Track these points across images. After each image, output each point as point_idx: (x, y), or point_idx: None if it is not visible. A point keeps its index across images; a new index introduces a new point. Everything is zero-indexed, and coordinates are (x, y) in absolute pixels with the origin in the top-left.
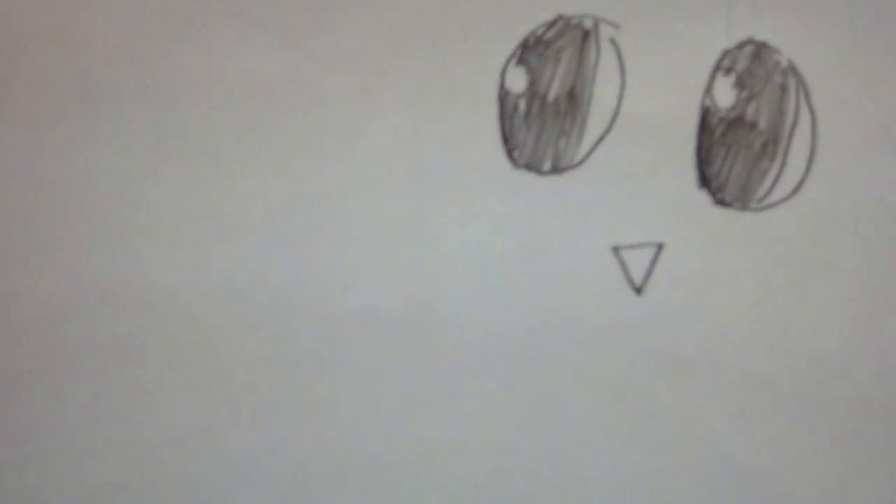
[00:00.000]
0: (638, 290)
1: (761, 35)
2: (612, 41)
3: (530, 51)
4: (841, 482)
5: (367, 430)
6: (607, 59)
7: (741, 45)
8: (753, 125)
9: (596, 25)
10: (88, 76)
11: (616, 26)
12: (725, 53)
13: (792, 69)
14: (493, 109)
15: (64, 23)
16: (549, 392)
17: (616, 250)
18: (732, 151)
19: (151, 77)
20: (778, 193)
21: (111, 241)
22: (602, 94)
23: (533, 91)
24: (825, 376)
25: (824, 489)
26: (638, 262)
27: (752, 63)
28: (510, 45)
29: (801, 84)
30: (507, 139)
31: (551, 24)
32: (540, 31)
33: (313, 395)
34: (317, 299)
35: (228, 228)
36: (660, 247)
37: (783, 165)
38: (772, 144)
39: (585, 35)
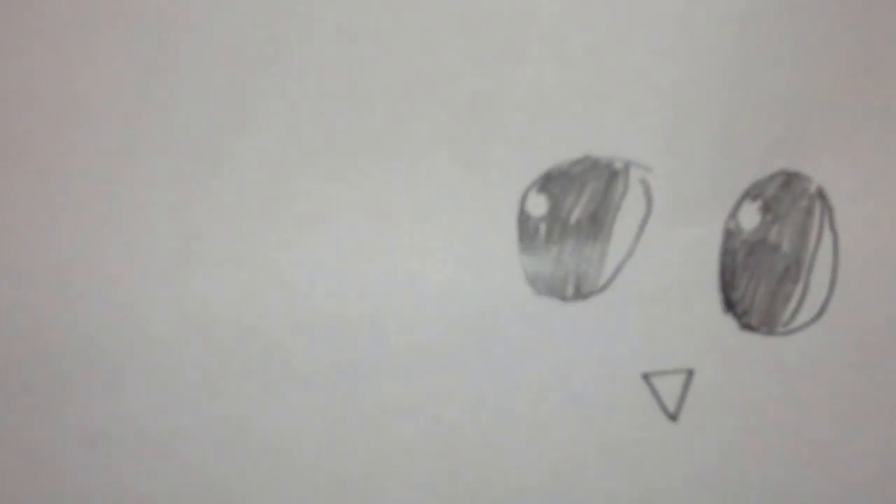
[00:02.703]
0: (672, 417)
1: (794, 166)
2: (642, 181)
3: (553, 181)
4: None
5: None
6: (634, 193)
7: (772, 177)
8: (776, 248)
9: (626, 167)
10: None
11: (648, 169)
12: (756, 183)
13: (820, 194)
14: (512, 232)
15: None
16: None
17: (646, 377)
18: (756, 275)
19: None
20: (803, 316)
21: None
22: (626, 217)
23: (554, 215)
24: (869, 496)
25: None
26: (669, 389)
27: (781, 190)
28: (531, 175)
29: (826, 207)
30: (527, 264)
31: (577, 163)
32: (565, 166)
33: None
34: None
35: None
36: (690, 373)
37: (806, 288)
38: (794, 267)
39: (614, 174)
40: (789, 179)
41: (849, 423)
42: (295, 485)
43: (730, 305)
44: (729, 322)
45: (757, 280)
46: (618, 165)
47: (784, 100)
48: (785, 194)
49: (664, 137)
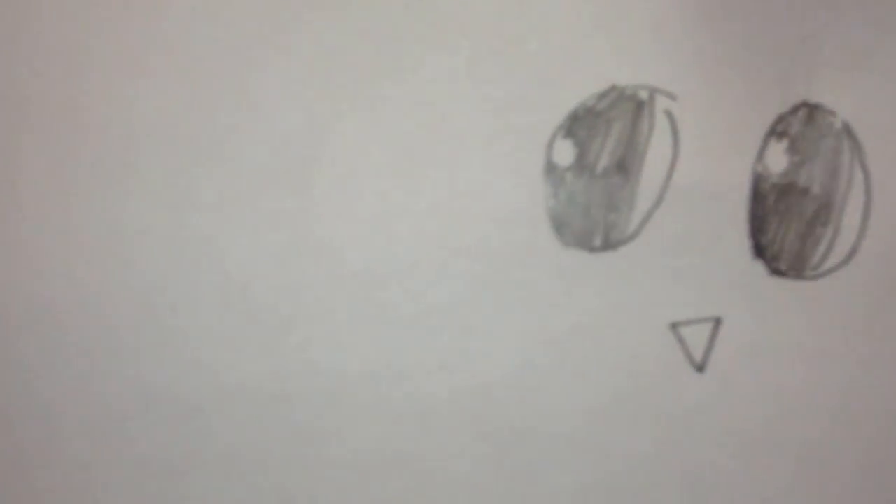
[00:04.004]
0: (699, 368)
1: (815, 97)
2: (667, 112)
3: (579, 123)
4: None
5: None
6: (661, 129)
7: (795, 109)
8: (806, 190)
9: (651, 96)
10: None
11: (672, 97)
12: (779, 118)
13: (846, 131)
14: (539, 184)
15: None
16: (615, 476)
17: (674, 327)
18: (786, 219)
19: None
20: (832, 260)
21: (114, 348)
22: (653, 164)
23: (581, 164)
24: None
25: None
26: (696, 339)
27: (806, 126)
28: (558, 116)
29: (856, 145)
30: (554, 215)
31: (604, 95)
32: (591, 102)
33: (374, 495)
34: (365, 395)
35: (257, 322)
36: (718, 321)
37: (837, 231)
38: (825, 210)
39: (639, 106)
40: (812, 113)
41: (879, 368)
42: (329, 443)
43: (759, 251)
44: (758, 268)
45: (787, 224)
46: (643, 95)
47: (802, 29)
48: (811, 131)
49: (686, 66)
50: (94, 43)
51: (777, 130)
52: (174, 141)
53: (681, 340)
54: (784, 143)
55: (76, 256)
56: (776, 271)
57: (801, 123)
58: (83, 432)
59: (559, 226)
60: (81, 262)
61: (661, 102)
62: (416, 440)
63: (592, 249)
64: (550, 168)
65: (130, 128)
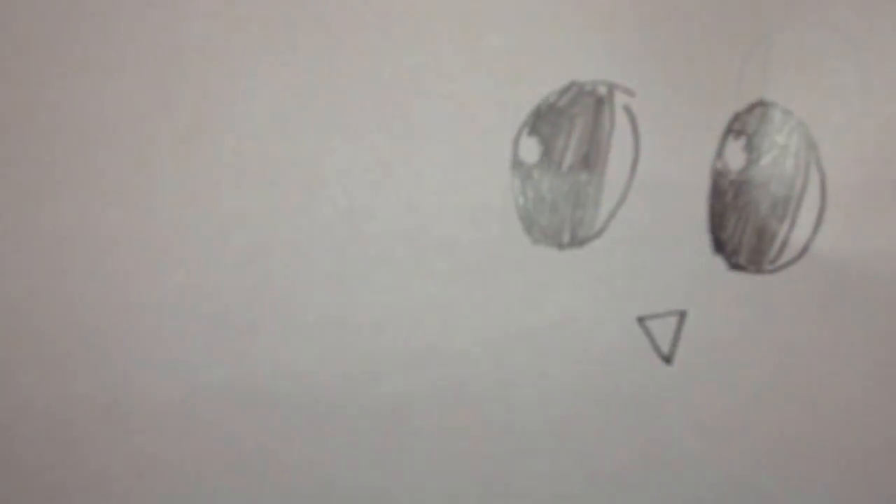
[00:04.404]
0: (667, 360)
1: (771, 96)
2: (627, 108)
3: (543, 119)
4: None
5: None
6: (621, 126)
7: (751, 108)
8: (763, 187)
9: (610, 92)
10: (60, 160)
11: (631, 93)
12: (736, 116)
13: (802, 129)
14: (506, 182)
15: (31, 98)
16: (590, 465)
17: (641, 321)
18: (744, 215)
19: (134, 158)
20: (788, 254)
21: (103, 345)
22: (616, 162)
23: (547, 161)
24: (855, 426)
25: None
26: (663, 331)
27: (762, 125)
28: (522, 113)
29: (811, 144)
30: (522, 213)
31: (564, 91)
32: (553, 99)
33: (352, 492)
34: (340, 392)
35: (234, 321)
36: (682, 314)
37: (792, 226)
38: (782, 206)
39: (599, 102)
40: (768, 112)
41: (834, 355)
42: (311, 434)
43: (719, 246)
44: (718, 263)
45: (745, 220)
46: (602, 91)
47: (758, 28)
48: (767, 129)
49: (644, 63)
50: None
51: (734, 129)
52: (139, 141)
53: (648, 333)
54: (742, 141)
55: (43, 257)
56: (736, 266)
57: (758, 122)
58: (47, 435)
59: (528, 224)
60: (47, 262)
61: (620, 98)
62: (392, 439)
63: (561, 246)
64: (517, 165)
65: (96, 128)
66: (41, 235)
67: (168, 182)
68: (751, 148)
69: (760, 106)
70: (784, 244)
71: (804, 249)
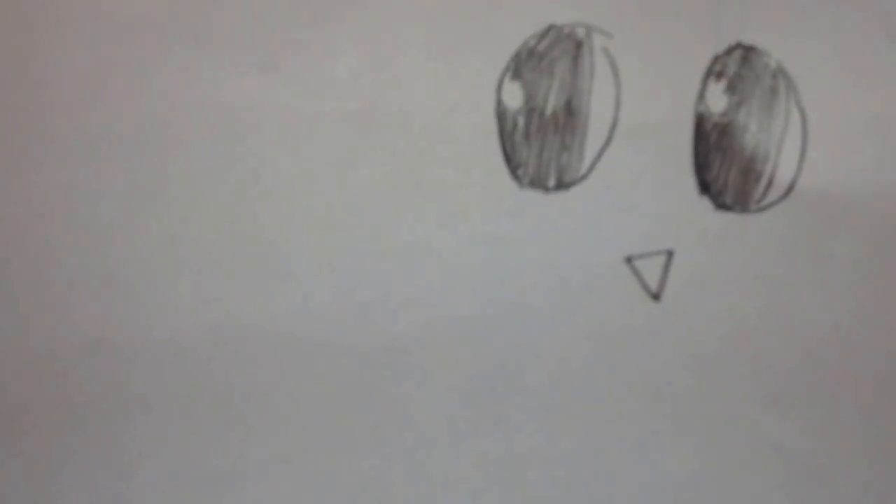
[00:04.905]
0: (655, 297)
1: (749, 39)
2: (605, 50)
3: (524, 64)
4: (879, 453)
5: (408, 463)
6: (601, 69)
7: (730, 50)
8: (746, 129)
9: (588, 34)
10: (46, 118)
11: (609, 35)
12: (716, 59)
13: (780, 71)
14: (491, 127)
15: (16, 61)
16: (581, 401)
17: (629, 260)
18: (728, 156)
19: (118, 115)
20: (773, 194)
21: (99, 291)
22: (599, 105)
23: (530, 106)
24: (843, 359)
25: (867, 463)
26: (651, 271)
27: (742, 67)
28: (503, 59)
29: (790, 85)
30: (509, 158)
31: (543, 35)
32: (532, 43)
33: (344, 433)
34: (331, 334)
35: (223, 264)
36: (670, 254)
37: (776, 167)
38: (764, 146)
39: (578, 45)
40: (748, 54)
41: (824, 291)
42: (298, 383)
43: (705, 187)
44: (705, 203)
45: (729, 161)
46: (580, 33)
47: None
48: (747, 72)
49: (621, 5)
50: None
51: (714, 71)
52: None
53: (636, 272)
54: (722, 84)
55: (34, 207)
56: (722, 206)
57: (738, 64)
58: (35, 374)
59: (515, 168)
60: (38, 212)
61: (599, 41)
62: (384, 378)
63: (547, 190)
64: (502, 111)
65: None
66: (32, 185)
67: (158, 126)
68: (732, 90)
69: (739, 48)
70: (769, 184)
71: (790, 188)
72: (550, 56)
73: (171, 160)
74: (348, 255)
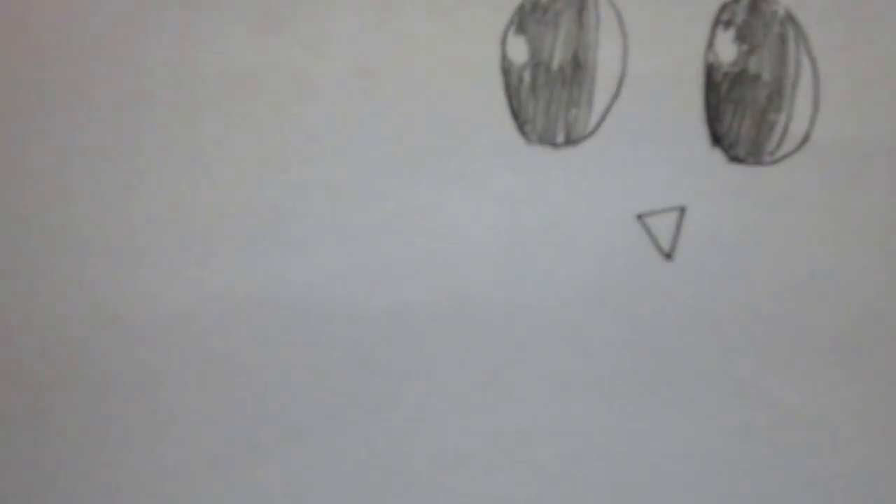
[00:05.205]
0: (668, 256)
1: None
2: (611, 1)
3: (528, 17)
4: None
5: (419, 429)
6: (607, 21)
7: None
8: (757, 78)
9: None
10: (53, 80)
11: None
12: (724, 6)
13: (789, 18)
14: (497, 83)
15: (20, 23)
16: (591, 362)
17: (640, 218)
18: (740, 107)
19: (124, 76)
20: (788, 145)
21: (102, 261)
22: (606, 58)
23: (536, 60)
24: (862, 319)
25: (881, 430)
26: (663, 228)
27: (750, 15)
28: (507, 12)
29: (800, 32)
30: (516, 114)
31: None
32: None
33: (355, 401)
34: (342, 300)
35: (229, 233)
36: (682, 210)
37: (790, 117)
38: (777, 97)
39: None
40: (756, 2)
41: (838, 247)
42: (309, 342)
43: (717, 139)
44: (717, 155)
45: (741, 112)
46: None
47: None
48: (756, 20)
49: None
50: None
51: (723, 20)
52: None
53: (647, 230)
54: (731, 33)
55: (43, 173)
56: (734, 158)
57: (746, 13)
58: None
59: (522, 124)
60: (47, 177)
61: None
62: (392, 345)
63: (555, 146)
64: (507, 66)
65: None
66: (37, 158)
67: (160, 93)
68: (741, 39)
69: None
70: (784, 135)
71: (804, 139)
72: (555, 8)
73: (175, 126)
74: (355, 219)
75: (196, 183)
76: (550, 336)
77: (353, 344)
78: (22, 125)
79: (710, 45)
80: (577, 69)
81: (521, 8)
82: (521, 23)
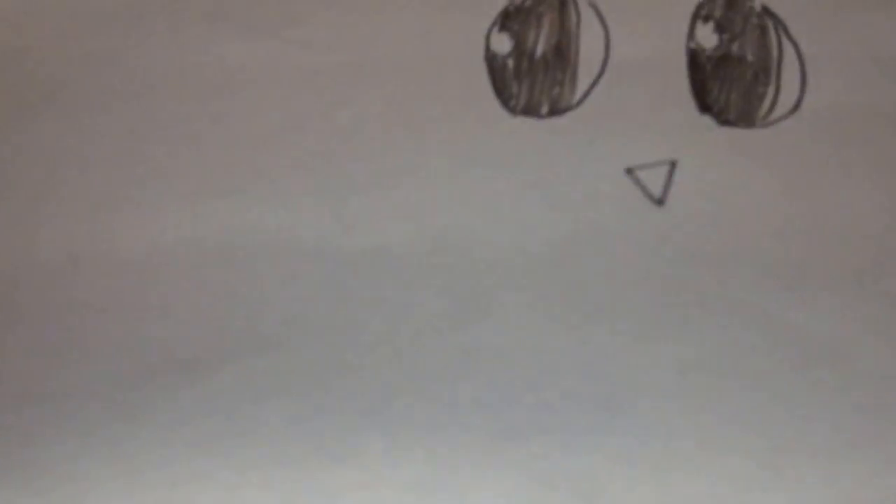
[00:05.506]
0: (659, 202)
1: None
2: (592, 4)
3: (511, 18)
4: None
5: (393, 351)
6: (588, 20)
7: None
8: (742, 59)
9: None
10: (51, 79)
11: None
12: (701, 4)
13: (766, 11)
14: (481, 71)
15: (19, 24)
16: (583, 303)
17: (630, 171)
18: (727, 83)
19: (120, 76)
20: (779, 111)
21: (80, 204)
22: (588, 48)
23: (519, 51)
24: (852, 255)
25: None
26: (654, 181)
27: (728, 10)
28: (490, 15)
29: (778, 22)
30: (499, 92)
31: None
32: (517, 2)
33: (337, 347)
34: (319, 244)
35: (214, 189)
36: (673, 164)
37: (778, 89)
38: (763, 74)
39: (563, 2)
40: (731, 0)
41: (829, 197)
42: (285, 282)
43: (706, 107)
44: (707, 120)
45: (728, 86)
46: None
47: None
48: (734, 14)
49: None
50: None
51: (701, 14)
52: None
53: (637, 182)
54: (710, 25)
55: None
56: (726, 122)
57: (723, 8)
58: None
59: (506, 100)
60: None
61: None
62: (368, 284)
63: (540, 116)
64: (491, 56)
65: None
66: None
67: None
68: (721, 29)
69: None
70: (774, 103)
71: (794, 107)
72: (537, 11)
73: (168, 110)
74: (338, 179)
75: (182, 151)
76: (537, 272)
77: (328, 281)
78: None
79: (692, 35)
80: (560, 57)
81: (504, 11)
82: (504, 23)
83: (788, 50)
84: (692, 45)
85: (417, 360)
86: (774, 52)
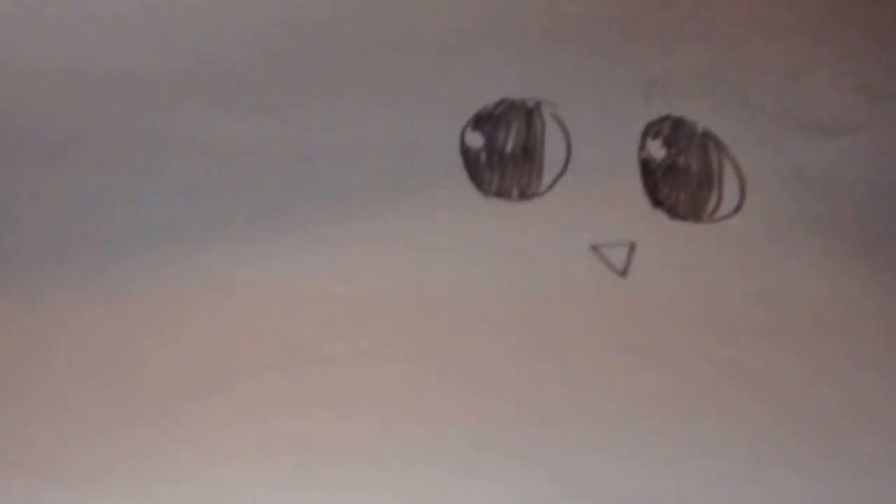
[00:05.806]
0: (623, 273)
1: (676, 112)
2: (554, 115)
3: (483, 121)
4: None
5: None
6: (551, 127)
7: (662, 119)
8: (687, 169)
9: (537, 105)
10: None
11: (554, 105)
12: (649, 125)
13: (707, 135)
14: (456, 161)
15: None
16: (555, 352)
17: (595, 248)
18: (675, 187)
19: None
20: (724, 210)
21: None
22: (553, 149)
23: (491, 146)
24: (794, 318)
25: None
26: (616, 256)
27: (674, 130)
28: (464, 117)
29: (719, 143)
30: (473, 177)
31: (498, 104)
32: (489, 109)
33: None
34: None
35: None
36: (633, 245)
37: (720, 195)
38: (707, 181)
39: (529, 112)
40: (677, 122)
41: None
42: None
43: (658, 203)
44: (660, 214)
45: (677, 189)
46: (530, 104)
47: (657, 60)
48: (679, 134)
49: (563, 82)
50: None
51: (651, 132)
52: None
53: (602, 256)
54: (659, 141)
55: None
56: (676, 216)
57: (670, 129)
58: None
59: (479, 183)
60: None
61: (547, 107)
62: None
63: (511, 199)
64: (465, 149)
65: None
66: None
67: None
68: (668, 144)
69: (669, 118)
70: (718, 205)
71: (737, 208)
72: (507, 118)
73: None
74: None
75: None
76: (508, 326)
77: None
78: None
79: (643, 147)
80: (527, 155)
81: (476, 116)
82: (476, 124)
83: (728, 166)
84: (644, 155)
85: None
86: (715, 166)
